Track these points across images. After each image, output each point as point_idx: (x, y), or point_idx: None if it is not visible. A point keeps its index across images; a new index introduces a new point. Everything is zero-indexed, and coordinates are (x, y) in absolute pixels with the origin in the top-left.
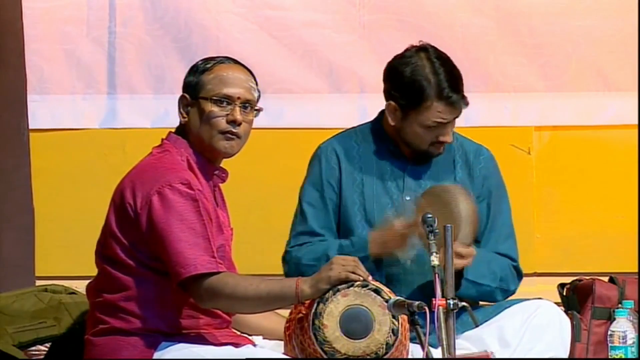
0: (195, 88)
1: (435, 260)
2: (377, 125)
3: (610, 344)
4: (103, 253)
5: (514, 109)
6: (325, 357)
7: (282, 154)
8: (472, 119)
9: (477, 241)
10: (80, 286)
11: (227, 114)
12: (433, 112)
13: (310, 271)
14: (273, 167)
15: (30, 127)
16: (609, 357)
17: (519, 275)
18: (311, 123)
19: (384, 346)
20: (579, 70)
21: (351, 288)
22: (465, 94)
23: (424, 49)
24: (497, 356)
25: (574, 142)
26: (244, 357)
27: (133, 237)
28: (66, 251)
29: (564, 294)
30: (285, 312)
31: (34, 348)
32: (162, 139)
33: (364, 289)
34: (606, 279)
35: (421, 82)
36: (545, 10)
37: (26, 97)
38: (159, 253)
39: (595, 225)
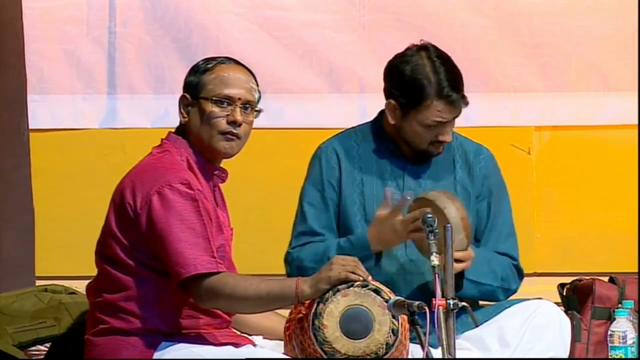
0: (196, 88)
1: (435, 260)
2: (377, 125)
3: (610, 344)
4: (103, 253)
5: (514, 109)
6: (325, 357)
7: (282, 154)
8: (472, 119)
9: (477, 240)
10: (80, 286)
11: (228, 115)
12: (433, 111)
13: (312, 273)
14: (273, 167)
15: (30, 127)
16: (609, 357)
17: (520, 274)
18: (311, 123)
19: (384, 346)
20: (579, 70)
21: (351, 288)
22: (465, 93)
23: (424, 48)
24: (497, 356)
25: (574, 142)
26: (244, 357)
27: (133, 237)
28: (66, 251)
29: (564, 294)
30: (285, 312)
31: (34, 348)
32: (162, 139)
33: (364, 289)
34: (606, 279)
35: (421, 80)
36: (545, 10)
37: (26, 97)
38: (158, 253)
39: (595, 225)
